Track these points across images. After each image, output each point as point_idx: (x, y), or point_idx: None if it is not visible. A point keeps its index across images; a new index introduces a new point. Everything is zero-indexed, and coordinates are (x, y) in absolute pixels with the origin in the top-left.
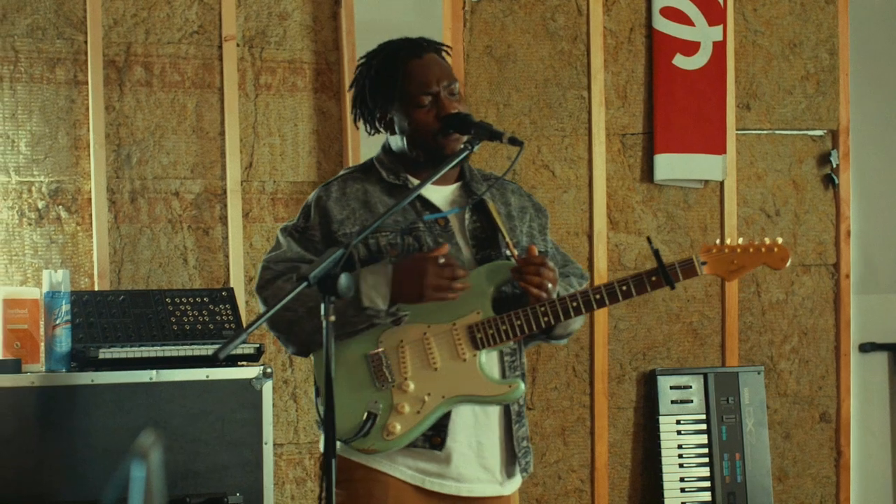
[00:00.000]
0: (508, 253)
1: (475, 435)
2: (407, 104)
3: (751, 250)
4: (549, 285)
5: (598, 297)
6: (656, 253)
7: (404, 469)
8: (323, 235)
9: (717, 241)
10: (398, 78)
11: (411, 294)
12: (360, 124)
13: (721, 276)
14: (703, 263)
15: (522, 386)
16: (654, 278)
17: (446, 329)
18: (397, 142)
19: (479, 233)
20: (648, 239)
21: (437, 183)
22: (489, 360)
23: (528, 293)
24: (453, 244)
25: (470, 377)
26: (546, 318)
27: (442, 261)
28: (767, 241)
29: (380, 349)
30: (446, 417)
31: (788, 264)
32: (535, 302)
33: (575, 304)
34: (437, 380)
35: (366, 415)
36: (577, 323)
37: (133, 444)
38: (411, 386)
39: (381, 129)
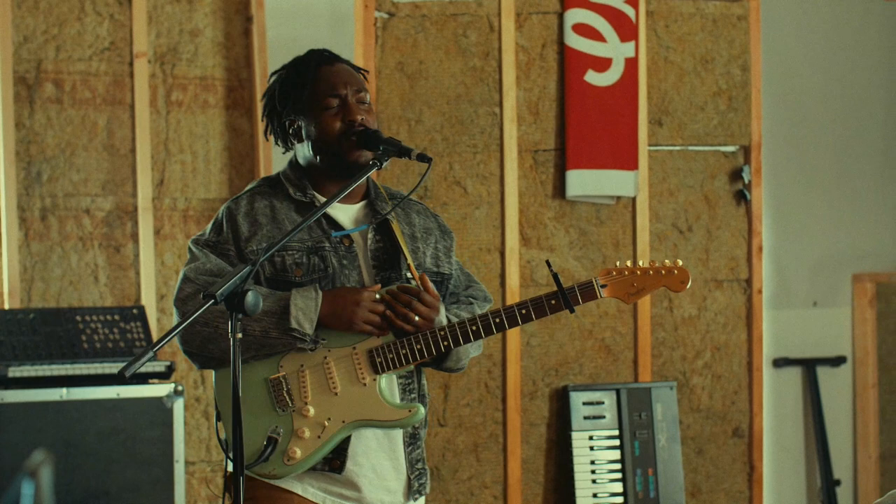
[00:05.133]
0: (409, 275)
1: (377, 458)
2: (314, 107)
3: (651, 272)
4: (417, 318)
5: (497, 320)
6: (556, 276)
7: (308, 487)
8: (237, 251)
9: (618, 264)
10: (308, 81)
11: (340, 323)
12: (272, 140)
13: (620, 299)
14: (603, 286)
15: (422, 410)
16: (553, 301)
17: (346, 353)
18: (304, 151)
19: (381, 253)
20: (548, 262)
21: (343, 201)
22: (390, 384)
23: (392, 323)
24: (356, 265)
25: (370, 402)
26: (446, 343)
27: (377, 296)
28: (668, 262)
29: (280, 374)
30: (346, 441)
31: (689, 286)
32: (400, 332)
33: (474, 327)
34: (337, 404)
35: (266, 440)
36: (466, 359)
37: (23, 463)
38: (311, 411)
39: (293, 142)
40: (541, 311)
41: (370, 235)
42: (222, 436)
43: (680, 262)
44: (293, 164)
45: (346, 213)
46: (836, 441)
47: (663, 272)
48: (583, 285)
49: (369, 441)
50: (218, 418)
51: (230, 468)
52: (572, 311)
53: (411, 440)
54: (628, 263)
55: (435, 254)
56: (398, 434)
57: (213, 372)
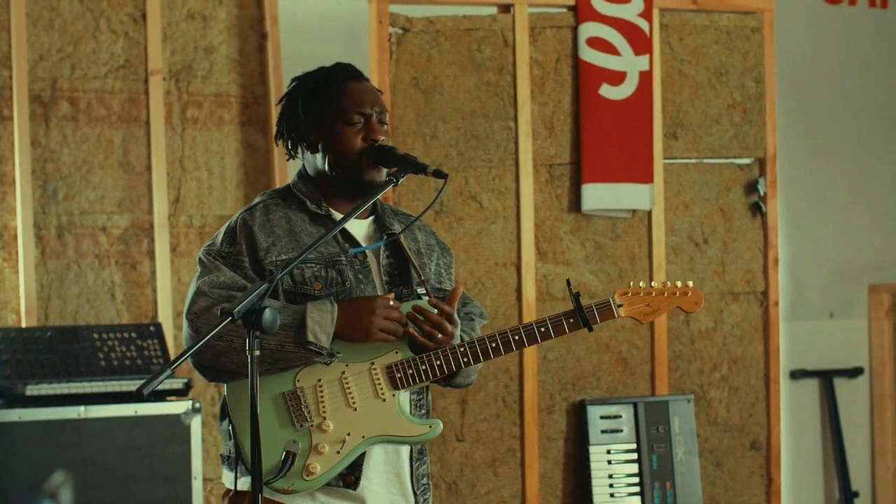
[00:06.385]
0: (421, 291)
1: (386, 473)
2: (338, 119)
3: (665, 294)
4: (440, 336)
5: (516, 338)
6: (576, 296)
7: None
8: (252, 262)
9: (631, 284)
10: (335, 93)
11: (357, 334)
12: (286, 155)
13: (636, 319)
14: (620, 306)
15: (441, 426)
16: (571, 320)
17: (365, 368)
18: (318, 162)
19: (392, 269)
20: (568, 282)
21: (354, 217)
22: (404, 400)
23: (414, 338)
24: (370, 280)
25: (390, 417)
26: (466, 359)
27: (392, 303)
28: (680, 284)
29: (298, 388)
30: (361, 457)
31: (701, 308)
32: (421, 349)
33: (494, 345)
34: (356, 420)
35: (284, 454)
36: (475, 374)
37: (41, 483)
38: (331, 426)
39: (304, 150)
40: (559, 329)
41: (382, 251)
42: (222, 451)
43: (690, 283)
44: (303, 175)
45: (357, 228)
46: (853, 452)
47: (677, 293)
48: (600, 305)
49: (379, 456)
50: (229, 433)
51: (236, 486)
52: (591, 329)
53: (419, 456)
54: (641, 284)
55: (438, 270)
56: (406, 449)
57: (224, 385)
